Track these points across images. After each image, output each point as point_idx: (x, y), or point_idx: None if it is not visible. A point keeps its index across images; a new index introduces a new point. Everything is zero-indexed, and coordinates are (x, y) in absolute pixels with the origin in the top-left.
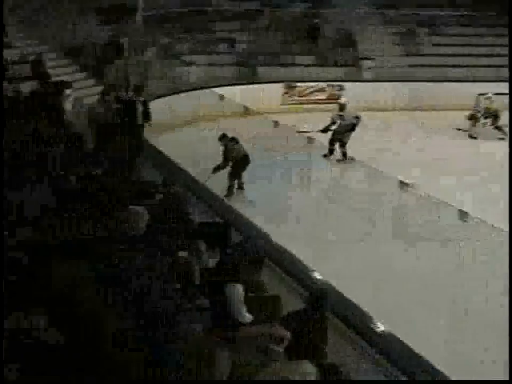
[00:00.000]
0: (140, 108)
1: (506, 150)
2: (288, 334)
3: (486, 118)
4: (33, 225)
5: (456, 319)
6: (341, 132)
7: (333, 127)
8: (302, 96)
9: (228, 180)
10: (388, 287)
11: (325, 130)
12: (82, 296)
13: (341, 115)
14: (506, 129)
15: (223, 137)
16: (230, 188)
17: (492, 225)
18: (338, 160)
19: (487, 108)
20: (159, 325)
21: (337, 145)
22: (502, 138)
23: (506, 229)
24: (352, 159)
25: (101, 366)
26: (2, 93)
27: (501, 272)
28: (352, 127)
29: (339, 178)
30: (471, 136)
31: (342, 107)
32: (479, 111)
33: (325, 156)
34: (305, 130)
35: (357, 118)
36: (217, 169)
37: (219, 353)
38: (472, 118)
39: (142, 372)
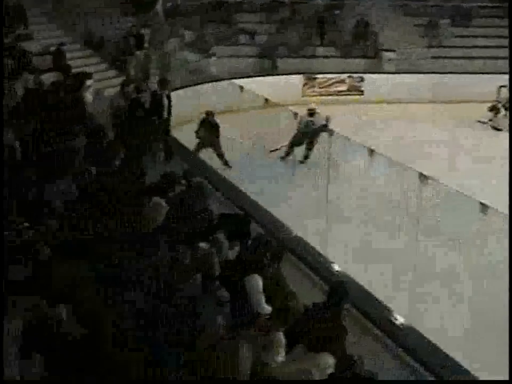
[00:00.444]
0: (166, 102)
1: None
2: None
3: (506, 109)
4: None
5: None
6: (313, 136)
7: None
8: (322, 88)
9: (220, 158)
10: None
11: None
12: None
13: (311, 120)
14: None
15: (212, 114)
16: (226, 162)
17: None
18: (300, 162)
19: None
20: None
21: (304, 147)
22: None
23: None
24: (372, 151)
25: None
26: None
27: None
28: (323, 128)
29: (360, 170)
30: (495, 128)
31: (311, 111)
32: (500, 102)
33: (282, 158)
34: (277, 148)
35: (327, 120)
36: (199, 148)
37: (242, 351)
38: (493, 109)
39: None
